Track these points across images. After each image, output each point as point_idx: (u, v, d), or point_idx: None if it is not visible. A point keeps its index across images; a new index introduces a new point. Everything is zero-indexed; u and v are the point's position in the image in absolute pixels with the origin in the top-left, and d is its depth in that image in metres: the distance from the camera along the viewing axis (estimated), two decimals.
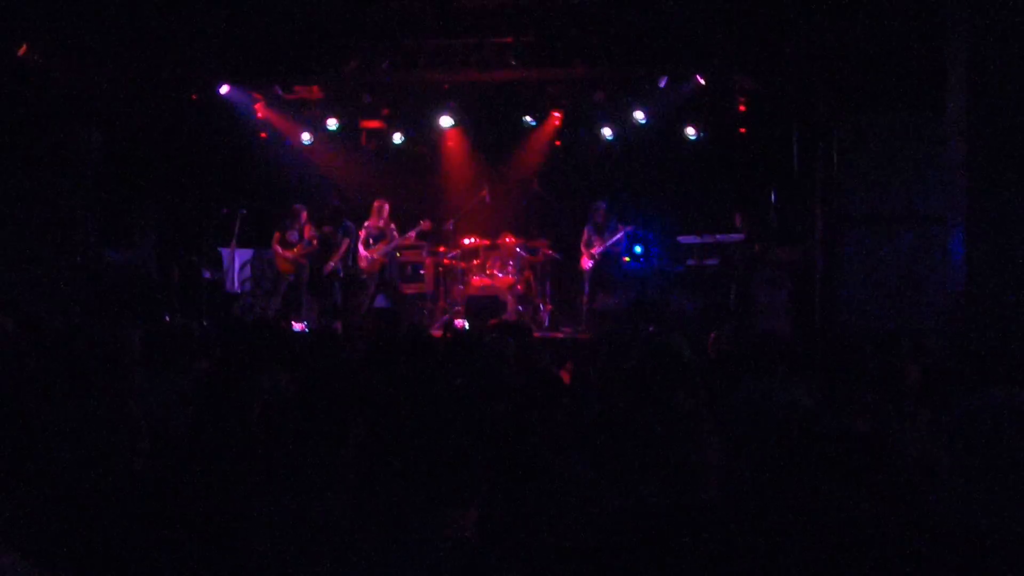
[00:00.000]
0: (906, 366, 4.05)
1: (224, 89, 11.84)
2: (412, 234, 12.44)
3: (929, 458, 3.61)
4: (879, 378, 3.88)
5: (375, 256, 12.12)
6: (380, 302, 11.93)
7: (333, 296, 12.11)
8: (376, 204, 12.44)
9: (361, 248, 12.11)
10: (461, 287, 12.78)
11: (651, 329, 10.91)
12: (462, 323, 10.76)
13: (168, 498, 2.82)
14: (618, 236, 12.08)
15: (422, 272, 13.23)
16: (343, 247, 12.07)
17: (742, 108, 12.42)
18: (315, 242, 12.01)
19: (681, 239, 12.54)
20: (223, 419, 3.53)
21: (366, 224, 12.26)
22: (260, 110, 12.99)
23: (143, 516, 2.74)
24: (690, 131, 13.19)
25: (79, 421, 2.93)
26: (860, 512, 2.78)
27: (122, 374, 4.22)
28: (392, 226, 12.36)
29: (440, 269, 13.01)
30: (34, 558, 2.31)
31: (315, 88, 12.66)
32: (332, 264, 12.01)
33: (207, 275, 12.74)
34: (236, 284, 12.55)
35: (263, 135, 13.76)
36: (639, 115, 12.80)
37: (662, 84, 12.00)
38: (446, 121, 13.00)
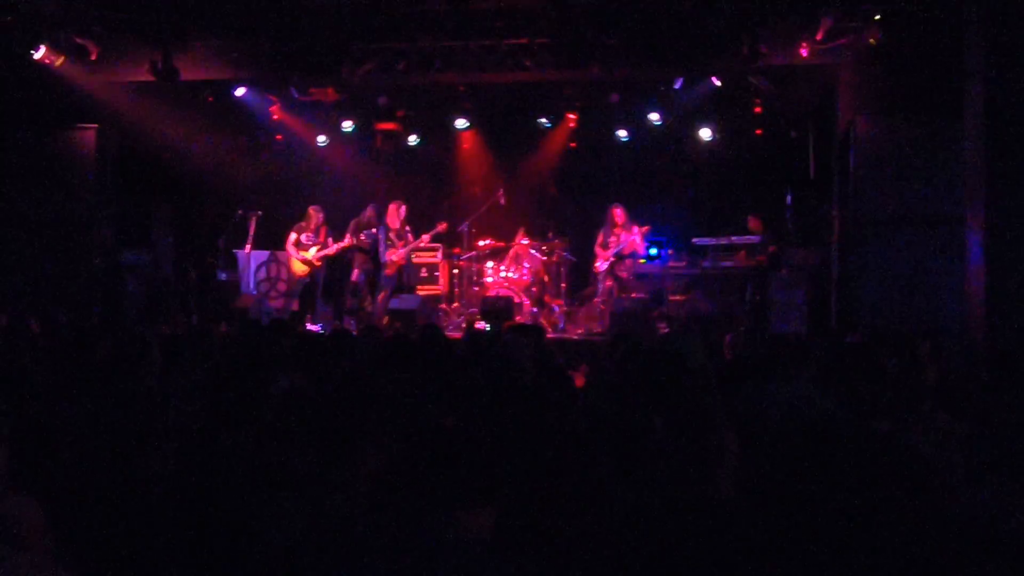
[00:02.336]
0: (924, 368, 4.03)
1: (240, 91, 11.87)
2: (427, 236, 12.45)
3: (948, 460, 3.59)
4: (897, 380, 3.85)
5: (392, 258, 12.14)
6: (398, 303, 11.93)
7: (370, 295, 12.09)
8: (392, 206, 12.46)
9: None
10: (476, 289, 12.78)
11: (664, 329, 10.90)
12: (484, 325, 10.76)
13: (186, 498, 2.83)
14: (633, 237, 12.05)
15: (437, 274, 13.25)
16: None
17: (758, 110, 12.38)
18: (331, 243, 12.02)
19: (696, 241, 12.51)
20: (239, 419, 3.54)
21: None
22: (276, 112, 13.05)
23: (162, 516, 2.75)
24: (706, 133, 13.17)
25: (102, 421, 2.95)
26: (877, 514, 2.76)
27: (143, 374, 4.25)
28: (408, 228, 12.39)
29: (455, 271, 13.02)
30: (55, 556, 2.33)
31: (330, 90, 12.69)
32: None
33: (223, 277, 12.80)
34: (251, 286, 12.59)
35: (279, 137, 13.81)
36: (654, 117, 12.78)
37: (677, 86, 11.98)
38: (461, 123, 13.01)
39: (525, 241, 12.75)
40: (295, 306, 12.16)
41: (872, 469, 2.92)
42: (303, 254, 12.01)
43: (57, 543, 2.43)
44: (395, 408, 3.89)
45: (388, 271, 12.13)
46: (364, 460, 3.01)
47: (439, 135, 14.08)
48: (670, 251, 13.05)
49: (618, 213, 12.15)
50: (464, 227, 13.12)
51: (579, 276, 13.12)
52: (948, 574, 2.53)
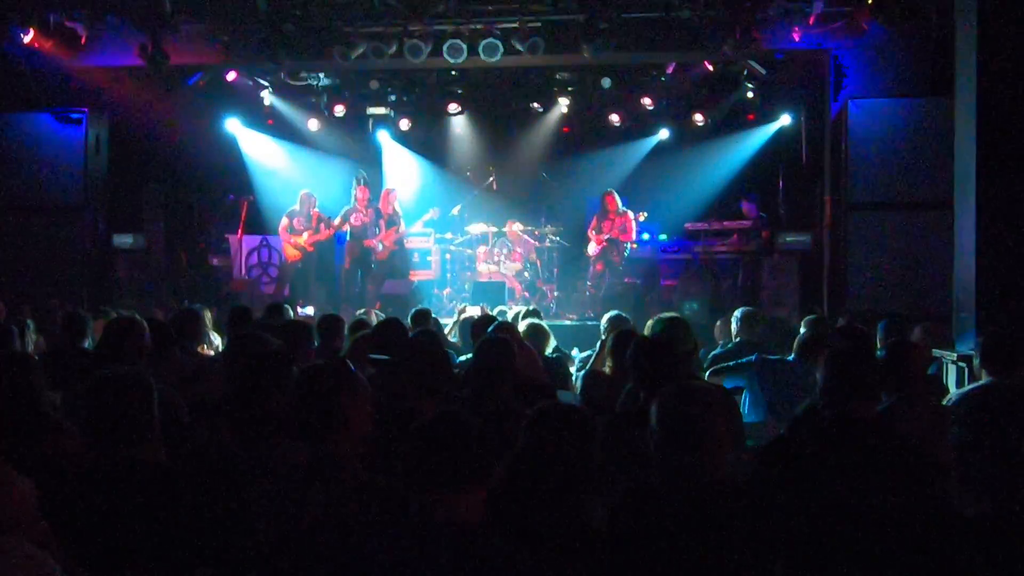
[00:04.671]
0: (913, 352, 4.04)
1: (231, 75, 11.81)
2: (419, 222, 12.43)
3: (934, 444, 3.61)
4: (887, 364, 3.87)
5: (384, 243, 12.13)
6: (391, 288, 11.91)
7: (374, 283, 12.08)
8: (384, 191, 12.44)
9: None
10: (468, 274, 12.78)
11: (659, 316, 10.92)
12: (476, 310, 10.76)
13: (172, 482, 2.83)
14: (629, 222, 12.05)
15: (429, 259, 13.24)
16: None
17: (750, 94, 12.38)
18: (323, 228, 11.99)
19: (689, 226, 12.53)
20: (229, 401, 3.54)
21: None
22: (267, 97, 12.98)
23: (152, 501, 2.75)
24: (698, 117, 13.17)
25: (91, 405, 2.94)
26: (866, 495, 2.78)
27: (133, 360, 4.24)
28: (399, 213, 12.37)
29: (447, 256, 13.01)
30: (43, 540, 2.33)
31: (322, 75, 12.63)
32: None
33: (214, 261, 12.77)
34: (243, 271, 12.57)
35: (270, 122, 13.75)
36: (647, 101, 12.76)
37: (670, 70, 11.96)
38: (453, 107, 12.96)
39: (517, 226, 12.74)
40: (287, 291, 12.14)
41: (861, 453, 2.94)
42: (295, 239, 11.99)
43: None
44: (385, 392, 3.90)
45: (380, 256, 12.12)
46: (353, 446, 3.01)
47: (431, 120, 14.04)
48: (662, 236, 13.08)
49: (613, 198, 12.15)
50: (456, 212, 13.10)
51: (571, 260, 13.11)
52: (938, 555, 2.55)
